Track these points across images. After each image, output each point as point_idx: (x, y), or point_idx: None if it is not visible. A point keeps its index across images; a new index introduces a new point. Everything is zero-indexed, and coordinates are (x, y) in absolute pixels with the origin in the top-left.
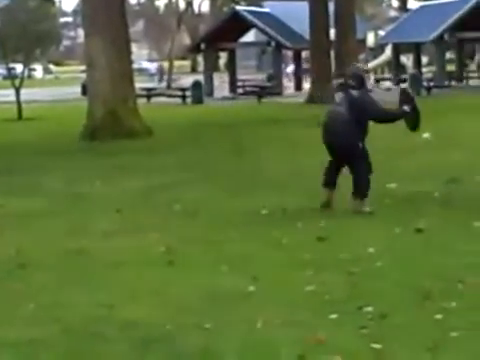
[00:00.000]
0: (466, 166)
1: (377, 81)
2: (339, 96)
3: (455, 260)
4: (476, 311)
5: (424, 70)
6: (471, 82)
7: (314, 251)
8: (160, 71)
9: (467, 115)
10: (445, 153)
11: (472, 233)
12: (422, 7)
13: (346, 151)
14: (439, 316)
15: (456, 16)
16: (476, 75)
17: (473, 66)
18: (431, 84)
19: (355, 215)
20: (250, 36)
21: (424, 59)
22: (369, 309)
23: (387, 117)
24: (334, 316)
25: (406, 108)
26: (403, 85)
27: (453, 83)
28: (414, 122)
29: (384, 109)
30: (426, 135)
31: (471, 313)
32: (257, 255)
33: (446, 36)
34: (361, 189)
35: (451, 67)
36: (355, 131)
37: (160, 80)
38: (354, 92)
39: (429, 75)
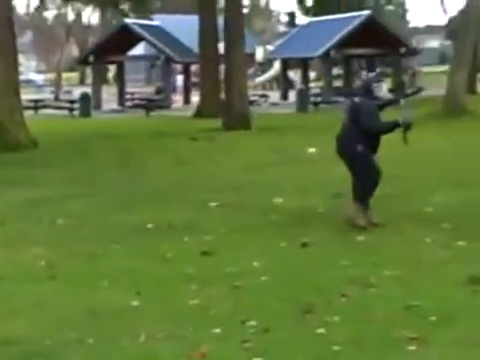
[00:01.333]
0: (349, 181)
1: (264, 96)
2: (345, 103)
3: (338, 274)
4: (358, 325)
5: (312, 85)
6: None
7: (199, 265)
8: (56, 83)
9: None
10: (331, 168)
11: (355, 247)
12: (310, 23)
13: (347, 156)
14: (321, 330)
15: (343, 32)
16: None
17: (359, 82)
18: (318, 99)
19: (240, 229)
20: (139, 49)
21: (312, 74)
22: (252, 323)
23: (378, 128)
24: (218, 330)
25: (400, 120)
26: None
27: (340, 99)
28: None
29: (377, 120)
30: (312, 150)
31: (353, 327)
32: (141, 269)
33: (333, 52)
34: (360, 195)
35: (338, 83)
36: (353, 134)
37: (54, 93)
38: (357, 98)
39: (316, 90)
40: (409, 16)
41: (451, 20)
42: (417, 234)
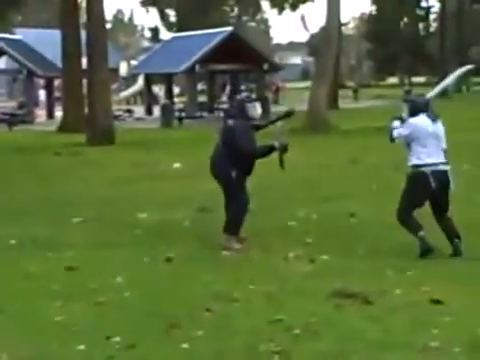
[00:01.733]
0: (215, 195)
1: (129, 111)
2: (220, 126)
3: (203, 289)
4: (222, 339)
5: (176, 100)
6: (222, 113)
7: (63, 281)
8: None
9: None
10: (195, 182)
11: (220, 262)
12: (173, 38)
13: (220, 179)
14: (186, 345)
15: (206, 48)
16: (227, 106)
17: (224, 97)
18: (183, 114)
19: (104, 245)
20: (1, 63)
21: (176, 90)
22: (117, 339)
23: (253, 152)
24: (82, 347)
25: (276, 144)
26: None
27: (204, 114)
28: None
29: (252, 143)
30: (177, 165)
31: (217, 341)
32: (4, 286)
33: (197, 67)
34: (232, 224)
35: (203, 98)
36: (227, 157)
37: None
38: (231, 121)
39: (181, 105)
40: (272, 32)
41: (312, 37)
42: (281, 249)
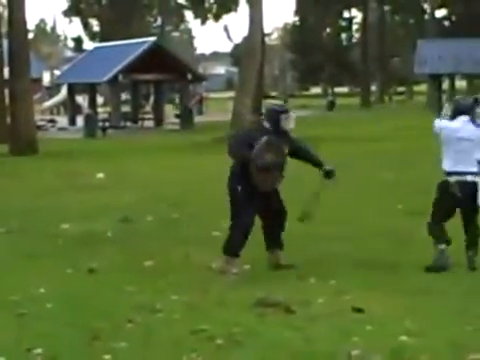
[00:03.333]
0: (138, 206)
1: (52, 121)
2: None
3: (125, 300)
4: (144, 350)
5: (100, 110)
6: (146, 123)
7: None
8: None
9: (141, 156)
10: (118, 193)
11: (142, 273)
12: (97, 48)
13: (229, 194)
14: (108, 356)
15: (130, 58)
16: (151, 116)
17: (148, 107)
18: (106, 125)
19: (26, 256)
20: None
21: (100, 100)
22: (39, 351)
23: (234, 153)
24: (2, 359)
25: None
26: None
27: (128, 124)
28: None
29: (236, 146)
30: (100, 175)
31: (139, 352)
32: None
33: (121, 77)
34: (231, 245)
35: (126, 108)
36: (236, 173)
37: None
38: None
39: (105, 115)
40: (196, 43)
41: (236, 47)
42: (205, 259)
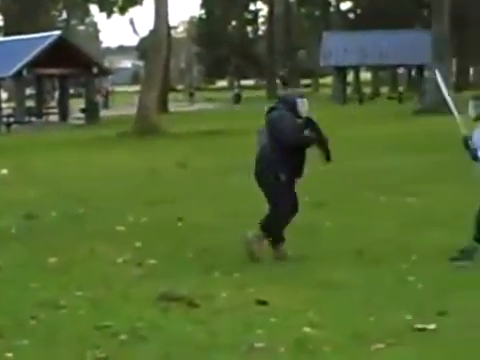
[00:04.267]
0: (42, 201)
1: None
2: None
3: (29, 296)
4: (48, 347)
5: (4, 106)
6: (51, 118)
7: None
8: None
9: (45, 151)
10: (23, 189)
11: (46, 269)
12: (0, 43)
13: (265, 181)
14: (10, 354)
15: (34, 52)
16: (56, 111)
17: (53, 102)
18: (11, 120)
19: None
20: None
21: (4, 95)
22: None
23: (296, 139)
24: None
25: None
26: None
27: (33, 119)
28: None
29: (294, 130)
30: (3, 171)
31: (43, 350)
32: None
33: (25, 72)
34: (269, 228)
35: (31, 103)
36: (275, 160)
37: None
38: (273, 113)
39: (9, 111)
40: (101, 36)
41: (142, 40)
42: (110, 254)
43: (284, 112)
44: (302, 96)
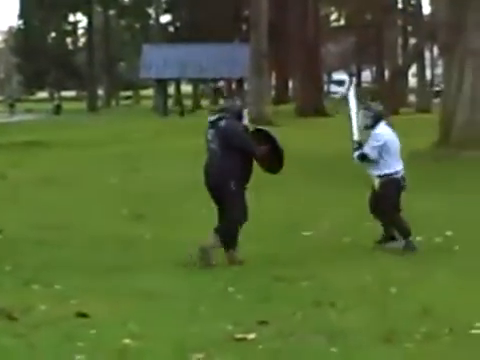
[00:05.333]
0: None
1: None
2: (210, 133)
3: None
4: None
5: None
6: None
7: None
8: None
9: None
10: None
11: None
12: None
13: (218, 189)
14: None
15: None
16: None
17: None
18: None
19: None
20: None
21: None
22: None
23: (252, 150)
24: None
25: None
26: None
27: None
28: (276, 163)
29: (250, 140)
30: None
31: None
32: None
33: None
34: (224, 233)
35: None
36: (228, 167)
37: None
38: (222, 122)
39: None
40: None
41: None
42: None
43: (235, 122)
44: (245, 107)
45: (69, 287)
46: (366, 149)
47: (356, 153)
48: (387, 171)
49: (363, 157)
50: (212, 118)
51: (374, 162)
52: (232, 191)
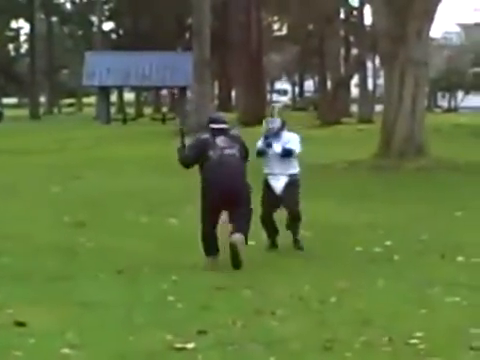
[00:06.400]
0: None
1: None
2: (222, 140)
3: None
4: None
5: None
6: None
7: None
8: None
9: None
10: None
11: None
12: None
13: (241, 194)
14: None
15: None
16: None
17: None
18: None
19: None
20: None
21: None
22: None
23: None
24: None
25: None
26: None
27: None
28: None
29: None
30: None
31: None
32: None
33: None
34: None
35: None
36: (245, 171)
37: None
38: (234, 130)
39: None
40: None
41: None
42: None
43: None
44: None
45: (6, 295)
46: (293, 146)
47: (279, 148)
48: (297, 170)
49: (288, 153)
50: (222, 126)
51: (290, 161)
52: (250, 192)
